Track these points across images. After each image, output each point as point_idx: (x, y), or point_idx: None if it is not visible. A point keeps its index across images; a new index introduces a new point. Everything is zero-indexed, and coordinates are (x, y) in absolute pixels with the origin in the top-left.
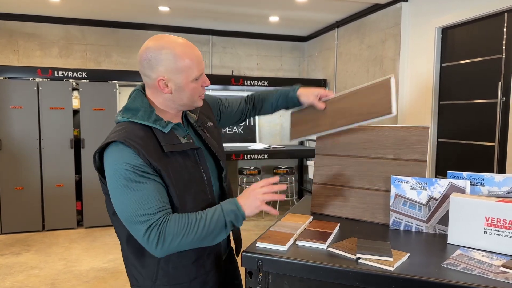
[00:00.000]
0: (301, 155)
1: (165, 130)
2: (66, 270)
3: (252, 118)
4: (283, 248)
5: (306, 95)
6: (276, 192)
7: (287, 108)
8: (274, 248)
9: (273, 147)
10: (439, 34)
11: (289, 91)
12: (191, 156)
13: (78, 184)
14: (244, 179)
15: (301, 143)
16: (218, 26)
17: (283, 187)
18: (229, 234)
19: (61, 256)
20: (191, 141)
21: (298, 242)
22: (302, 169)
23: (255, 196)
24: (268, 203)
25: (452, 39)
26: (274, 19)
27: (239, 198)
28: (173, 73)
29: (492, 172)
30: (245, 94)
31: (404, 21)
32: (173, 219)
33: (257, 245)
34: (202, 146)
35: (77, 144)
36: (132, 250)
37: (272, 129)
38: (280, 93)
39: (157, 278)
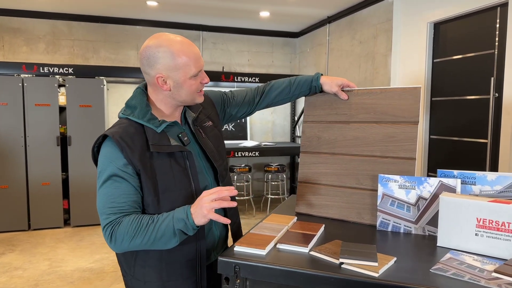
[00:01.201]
0: (293, 153)
1: (157, 129)
2: (51, 271)
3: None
4: (263, 252)
5: (330, 84)
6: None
7: (305, 96)
8: (252, 252)
9: (264, 144)
10: (431, 29)
11: (311, 79)
12: (180, 159)
13: (65, 182)
14: (235, 176)
15: (293, 140)
16: (208, 21)
17: (234, 192)
18: (226, 236)
19: (46, 256)
20: (186, 138)
21: (279, 246)
22: (294, 167)
23: (202, 204)
24: (257, 203)
25: (444, 35)
26: (265, 14)
27: (192, 206)
28: (171, 70)
29: (485, 169)
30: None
31: (396, 16)
32: (125, 222)
33: (235, 249)
34: (197, 146)
35: (63, 141)
36: None
37: (264, 126)
38: (298, 81)
39: (134, 272)
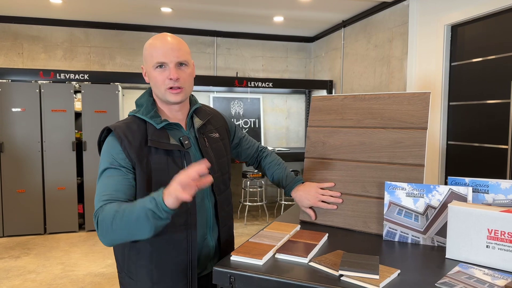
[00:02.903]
0: None
1: (157, 126)
2: (63, 275)
3: (257, 122)
4: (260, 262)
5: (300, 201)
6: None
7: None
8: (249, 262)
9: (278, 150)
10: (448, 31)
11: (286, 185)
12: (178, 159)
13: (80, 187)
14: (248, 182)
15: None
16: (222, 27)
17: (203, 168)
18: (219, 245)
19: (59, 260)
20: (187, 142)
21: (277, 255)
22: None
23: (175, 184)
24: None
25: (462, 37)
26: (278, 19)
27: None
28: (145, 61)
29: (505, 176)
30: (249, 96)
31: (412, 19)
32: (108, 206)
33: (231, 258)
34: (199, 152)
35: (79, 146)
36: None
37: (278, 131)
38: (282, 176)
39: (128, 269)
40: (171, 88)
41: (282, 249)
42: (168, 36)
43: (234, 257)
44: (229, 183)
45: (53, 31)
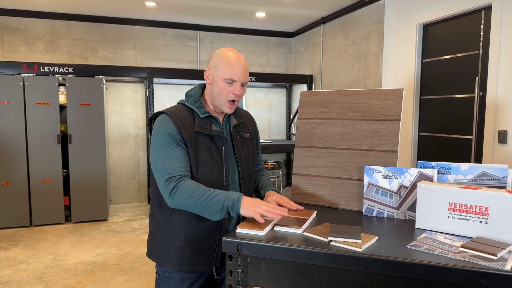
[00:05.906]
0: (289, 150)
1: (201, 115)
2: (55, 264)
3: None
4: (261, 233)
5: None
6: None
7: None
8: (253, 233)
9: (260, 142)
10: (420, 30)
11: (262, 189)
12: (218, 144)
13: (66, 180)
14: None
15: (289, 137)
16: (205, 21)
17: (284, 213)
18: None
19: (49, 251)
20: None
21: (276, 228)
22: (289, 163)
23: (257, 206)
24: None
25: (433, 36)
26: (260, 14)
27: (246, 197)
28: (214, 68)
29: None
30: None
31: (387, 17)
32: (189, 181)
33: (237, 230)
34: (231, 147)
35: (64, 139)
36: (156, 204)
37: (260, 124)
38: (261, 183)
39: (166, 228)
40: (231, 101)
41: (279, 223)
42: (241, 58)
43: (239, 230)
44: (253, 177)
45: (34, 23)
